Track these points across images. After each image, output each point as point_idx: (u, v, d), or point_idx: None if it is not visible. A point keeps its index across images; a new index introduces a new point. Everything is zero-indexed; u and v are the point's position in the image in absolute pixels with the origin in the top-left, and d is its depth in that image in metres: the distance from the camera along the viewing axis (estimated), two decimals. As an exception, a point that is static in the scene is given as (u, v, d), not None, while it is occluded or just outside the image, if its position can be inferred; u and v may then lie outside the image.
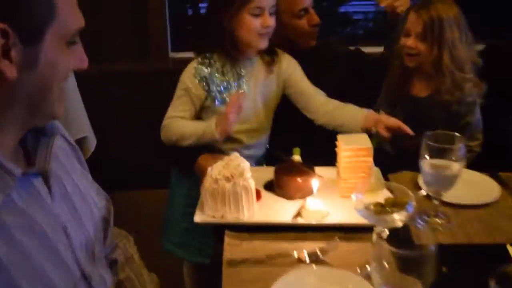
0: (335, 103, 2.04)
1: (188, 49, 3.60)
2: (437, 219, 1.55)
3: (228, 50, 1.94)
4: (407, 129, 1.82)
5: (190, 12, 3.81)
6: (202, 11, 3.71)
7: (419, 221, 1.55)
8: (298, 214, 1.54)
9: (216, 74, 1.97)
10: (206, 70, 1.96)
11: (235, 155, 1.61)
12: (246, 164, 1.57)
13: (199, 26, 2.06)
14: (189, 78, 1.97)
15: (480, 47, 2.54)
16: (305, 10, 2.18)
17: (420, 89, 2.16)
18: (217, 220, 1.55)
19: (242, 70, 2.01)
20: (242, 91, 1.99)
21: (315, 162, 1.78)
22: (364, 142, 1.66)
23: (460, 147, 1.47)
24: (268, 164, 2.11)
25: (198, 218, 1.56)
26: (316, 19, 2.20)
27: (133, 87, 3.27)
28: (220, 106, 1.96)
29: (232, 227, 1.54)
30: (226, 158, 1.60)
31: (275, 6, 1.93)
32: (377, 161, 1.74)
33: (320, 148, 1.83)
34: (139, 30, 3.28)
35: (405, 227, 1.43)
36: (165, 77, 3.00)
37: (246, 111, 1.95)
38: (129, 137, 3.31)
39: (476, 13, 2.33)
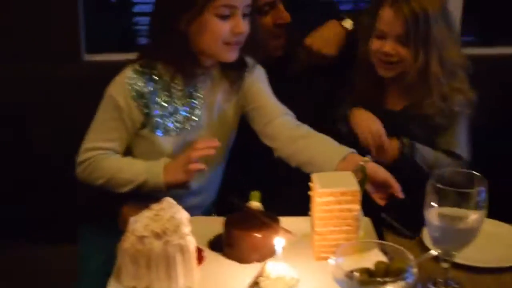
0: (306, 131, 2.01)
1: (111, 50, 3.62)
2: (447, 290, 1.55)
3: (180, 62, 1.93)
4: (396, 187, 1.81)
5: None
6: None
7: (424, 293, 1.54)
8: (255, 283, 1.52)
9: (160, 94, 1.96)
10: (146, 86, 1.94)
11: (168, 202, 1.59)
12: (183, 214, 1.55)
13: (150, 26, 2.03)
14: (121, 94, 1.94)
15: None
16: (271, 4, 2.21)
17: (394, 101, 2.22)
18: (141, 293, 1.53)
19: (196, 91, 2.01)
20: (195, 119, 1.99)
21: (282, 210, 1.77)
22: (348, 182, 1.66)
23: (480, 191, 1.47)
24: (218, 214, 2.10)
25: (112, 289, 1.53)
26: (284, 17, 2.24)
27: (32, 99, 3.21)
28: (162, 137, 1.95)
29: (161, 303, 1.51)
30: (155, 206, 1.57)
31: (251, 6, 1.93)
32: (367, 208, 1.74)
33: (290, 191, 1.83)
34: (42, 24, 3.25)
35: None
36: (77, 87, 2.99)
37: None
38: (22, 173, 3.24)
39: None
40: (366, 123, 2.15)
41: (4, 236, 2.64)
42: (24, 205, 2.78)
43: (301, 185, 1.74)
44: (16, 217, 2.73)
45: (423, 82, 2.11)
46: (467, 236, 1.50)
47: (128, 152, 2.02)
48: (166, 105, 1.97)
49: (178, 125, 1.99)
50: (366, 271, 1.33)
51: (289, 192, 1.91)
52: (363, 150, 1.98)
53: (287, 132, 2.01)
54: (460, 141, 2.20)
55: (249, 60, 2.08)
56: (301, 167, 1.95)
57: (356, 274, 1.32)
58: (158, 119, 1.96)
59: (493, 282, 1.60)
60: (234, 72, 2.05)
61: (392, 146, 2.12)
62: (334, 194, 1.63)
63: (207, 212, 2.15)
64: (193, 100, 2.00)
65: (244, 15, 1.92)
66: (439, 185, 1.47)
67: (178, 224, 1.53)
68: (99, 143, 1.95)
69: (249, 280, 1.53)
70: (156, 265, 1.50)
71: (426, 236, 1.68)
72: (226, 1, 1.86)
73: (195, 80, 2.00)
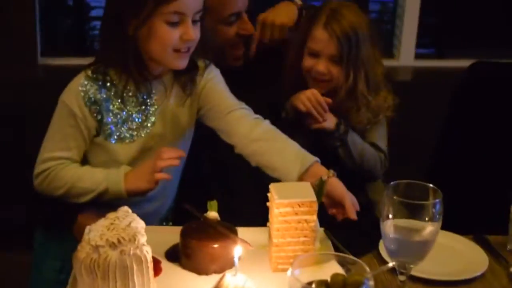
0: (266, 128, 1.99)
1: (66, 54, 3.59)
2: (403, 303, 1.56)
3: (129, 68, 1.90)
4: (349, 207, 1.80)
5: (70, 2, 3.79)
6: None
7: (380, 306, 1.55)
8: (213, 295, 1.52)
9: (113, 101, 1.94)
10: (98, 93, 1.92)
11: (124, 210, 1.57)
12: (139, 224, 1.53)
13: (100, 30, 2.01)
14: (75, 101, 1.92)
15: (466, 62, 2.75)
16: (237, 15, 2.23)
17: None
18: (96, 304, 1.50)
19: (149, 97, 1.98)
20: (150, 126, 1.97)
21: (240, 221, 1.77)
22: (305, 193, 1.66)
23: (435, 203, 1.48)
24: (175, 222, 2.08)
25: (67, 301, 1.51)
26: (248, 28, 2.26)
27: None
28: (116, 145, 1.94)
29: (117, 314, 1.48)
30: (110, 215, 1.55)
31: (202, 11, 1.91)
32: (324, 220, 1.75)
33: (248, 201, 1.83)
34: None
35: (360, 315, 1.45)
36: (33, 92, 2.95)
37: (151, 150, 1.95)
38: None
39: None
40: (301, 93, 2.20)
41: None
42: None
43: (258, 196, 1.74)
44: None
45: (351, 99, 2.20)
46: (423, 248, 1.51)
47: (84, 161, 1.99)
48: (119, 112, 1.95)
49: (132, 132, 1.97)
50: (323, 284, 1.33)
51: (246, 202, 1.90)
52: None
53: (244, 127, 1.98)
54: (381, 136, 2.30)
55: (201, 62, 2.07)
56: (261, 168, 1.95)
57: (313, 286, 1.32)
58: (112, 127, 1.94)
59: (450, 295, 1.62)
60: (185, 76, 2.03)
61: (330, 116, 2.19)
62: (292, 204, 1.62)
63: (164, 219, 2.13)
64: (146, 107, 1.98)
65: (194, 21, 1.90)
66: (394, 197, 1.49)
67: (134, 234, 1.50)
68: (56, 153, 1.92)
69: (206, 291, 1.53)
70: (112, 276, 1.47)
71: (383, 248, 1.69)
72: (175, 8, 1.83)
73: (147, 87, 1.97)
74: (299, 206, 1.63)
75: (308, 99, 2.15)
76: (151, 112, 1.99)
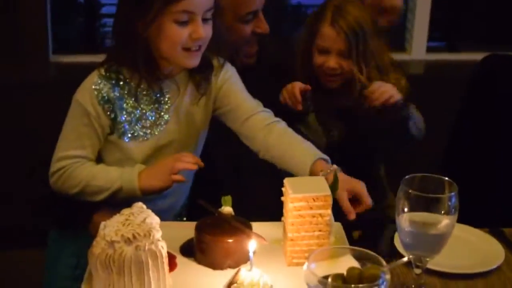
0: (280, 133, 2.00)
1: (78, 51, 3.60)
2: (419, 296, 1.55)
3: (141, 66, 1.90)
4: (367, 200, 1.82)
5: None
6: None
7: (396, 299, 1.55)
8: (229, 289, 1.52)
9: (127, 99, 1.94)
10: (112, 91, 1.92)
11: (139, 206, 1.57)
12: (154, 219, 1.53)
13: (113, 28, 2.01)
14: (88, 100, 1.91)
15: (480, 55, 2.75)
16: (254, 13, 2.22)
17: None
18: (112, 299, 1.50)
19: (163, 95, 1.98)
20: (163, 124, 1.97)
21: (255, 215, 1.77)
22: (320, 188, 1.66)
23: (451, 196, 1.48)
24: (189, 217, 2.08)
25: (83, 296, 1.51)
26: (264, 27, 2.26)
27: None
28: (130, 143, 1.94)
29: (133, 309, 1.49)
30: (125, 211, 1.55)
31: (212, 9, 1.90)
32: (339, 214, 1.75)
33: (264, 196, 1.83)
34: (7, 22, 3.21)
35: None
36: (44, 90, 2.96)
37: (165, 148, 1.97)
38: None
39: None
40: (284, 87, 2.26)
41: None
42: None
43: (273, 190, 1.74)
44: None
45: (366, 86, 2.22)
46: (438, 241, 1.51)
47: (99, 159, 1.99)
48: (132, 110, 1.95)
49: (146, 130, 1.97)
50: (339, 277, 1.33)
51: (261, 197, 1.90)
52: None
53: (263, 132, 2.00)
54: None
55: (217, 61, 2.06)
56: (274, 161, 1.98)
57: (329, 280, 1.32)
58: (125, 125, 1.94)
59: (466, 287, 1.62)
60: (199, 75, 2.02)
61: (393, 88, 2.19)
62: (306, 199, 1.62)
63: (178, 216, 2.13)
64: (160, 105, 1.98)
65: (205, 20, 1.88)
66: (410, 191, 1.48)
67: (149, 229, 1.51)
68: (71, 151, 1.93)
69: (222, 286, 1.52)
70: (127, 271, 1.47)
71: (398, 241, 1.69)
72: (184, 7, 1.82)
73: (160, 85, 1.97)
74: (314, 200, 1.63)
75: (286, 90, 2.22)
76: (164, 110, 1.99)
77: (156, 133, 1.99)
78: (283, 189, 1.69)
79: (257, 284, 1.51)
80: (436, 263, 1.59)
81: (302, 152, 1.94)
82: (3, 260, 3.14)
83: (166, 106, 1.99)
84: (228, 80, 2.08)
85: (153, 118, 1.97)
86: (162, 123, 1.99)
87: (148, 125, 1.97)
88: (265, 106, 2.08)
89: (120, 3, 1.98)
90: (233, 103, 2.06)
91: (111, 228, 1.51)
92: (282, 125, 2.03)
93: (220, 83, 2.07)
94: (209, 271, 1.63)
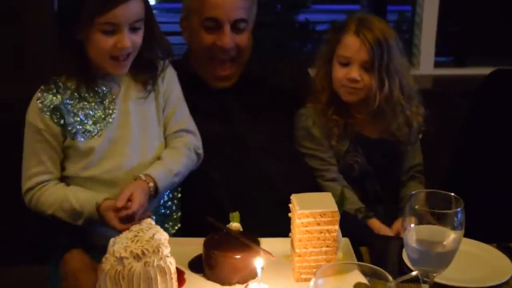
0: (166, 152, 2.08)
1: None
2: (427, 311, 1.55)
3: (77, 71, 1.95)
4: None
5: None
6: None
7: (403, 315, 1.55)
8: (237, 305, 1.52)
9: (72, 102, 1.97)
10: (55, 98, 1.95)
11: (148, 222, 1.58)
12: (163, 235, 1.55)
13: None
14: (36, 116, 1.96)
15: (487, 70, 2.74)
16: (217, 23, 2.21)
17: (369, 129, 2.30)
18: (121, 315, 1.51)
19: (107, 92, 2.01)
20: (113, 116, 2.00)
21: (262, 232, 1.77)
22: (327, 204, 1.66)
23: (457, 212, 1.48)
24: (190, 231, 2.09)
25: (93, 312, 1.51)
26: (224, 41, 2.22)
27: (5, 120, 3.18)
28: (84, 142, 1.97)
29: (142, 325, 1.49)
30: (134, 227, 1.56)
31: (142, 21, 1.94)
32: (346, 229, 1.75)
33: (270, 212, 1.84)
34: (11, 40, 3.23)
35: (383, 324, 1.45)
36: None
37: (119, 141, 2.00)
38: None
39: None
40: None
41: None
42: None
43: (280, 207, 1.75)
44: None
45: (388, 108, 2.20)
46: (445, 257, 1.50)
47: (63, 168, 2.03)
48: (79, 110, 1.97)
49: (96, 126, 1.99)
50: (346, 293, 1.34)
51: (268, 213, 1.90)
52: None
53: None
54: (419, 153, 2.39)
55: (162, 64, 2.10)
56: None
57: (337, 296, 1.33)
58: (76, 125, 1.96)
59: (473, 302, 1.62)
60: (142, 75, 2.06)
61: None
62: (313, 215, 1.63)
63: (158, 215, 2.13)
64: (105, 101, 2.00)
65: (134, 29, 1.92)
66: (416, 207, 1.48)
67: (158, 245, 1.52)
68: (32, 169, 1.97)
69: (230, 302, 1.54)
70: (136, 287, 1.49)
71: (405, 256, 1.68)
72: (108, 19, 1.86)
73: (101, 83, 2.01)
74: (321, 216, 1.63)
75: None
76: (110, 105, 2.01)
77: (107, 127, 2.00)
78: (290, 205, 1.69)
79: (266, 300, 1.53)
80: (444, 277, 1.59)
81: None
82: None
83: (112, 102, 2.01)
84: (171, 81, 2.13)
85: (101, 113, 1.99)
86: (111, 118, 2.00)
87: (97, 120, 1.99)
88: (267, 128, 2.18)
89: (58, 6, 2.07)
90: (170, 110, 2.12)
91: (120, 244, 1.53)
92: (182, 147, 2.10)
93: (165, 81, 2.11)
94: (217, 286, 1.63)
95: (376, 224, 2.11)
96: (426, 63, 3.66)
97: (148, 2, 1.98)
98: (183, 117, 2.14)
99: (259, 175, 2.19)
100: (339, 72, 2.19)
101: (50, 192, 1.97)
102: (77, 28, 1.88)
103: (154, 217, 2.07)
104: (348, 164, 2.25)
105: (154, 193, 1.95)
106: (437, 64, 3.71)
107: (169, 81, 2.12)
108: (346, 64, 2.17)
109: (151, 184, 1.93)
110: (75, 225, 1.96)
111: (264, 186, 2.17)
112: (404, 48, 2.25)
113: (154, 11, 2.03)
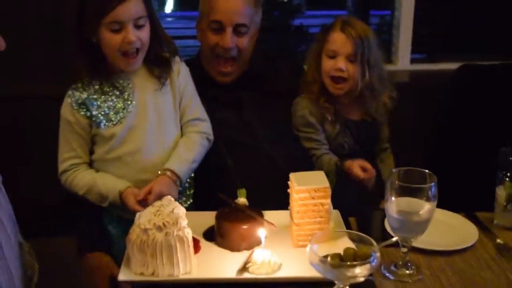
0: (182, 140, 2.09)
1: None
2: (406, 270, 1.56)
3: (95, 69, 1.96)
4: (372, 168, 2.03)
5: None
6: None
7: (386, 274, 1.55)
8: (244, 268, 1.53)
9: (97, 96, 1.98)
10: (82, 95, 1.97)
11: (168, 199, 1.59)
12: (181, 210, 1.55)
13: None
14: (67, 111, 1.99)
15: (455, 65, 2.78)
16: (220, 26, 2.20)
17: (352, 112, 2.31)
18: (147, 277, 1.52)
19: (125, 86, 2.01)
20: (132, 107, 2.00)
21: (265, 205, 1.77)
22: (320, 180, 1.66)
23: (431, 186, 1.49)
24: (200, 205, 2.09)
25: (123, 275, 1.52)
26: (224, 42, 2.20)
27: (47, 115, 3.18)
28: (106, 129, 1.98)
29: (165, 285, 1.51)
30: (156, 203, 1.57)
31: (145, 18, 1.93)
32: (336, 202, 1.75)
33: (272, 189, 1.84)
34: (53, 48, 3.22)
35: (369, 282, 1.46)
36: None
37: (137, 128, 2.00)
38: (40, 174, 3.21)
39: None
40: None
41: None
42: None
43: (281, 184, 1.75)
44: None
45: (368, 93, 2.22)
46: (421, 225, 1.51)
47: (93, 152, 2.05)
48: (103, 103, 1.98)
49: (117, 115, 1.99)
50: (337, 256, 1.34)
51: (270, 190, 1.91)
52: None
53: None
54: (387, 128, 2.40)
55: (174, 60, 2.10)
56: None
57: (329, 259, 1.33)
58: (100, 116, 1.97)
59: (445, 263, 1.62)
60: (157, 69, 2.05)
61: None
62: (309, 190, 1.63)
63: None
64: (124, 93, 2.00)
65: (139, 26, 1.91)
66: (396, 182, 1.49)
67: (177, 218, 1.52)
68: (65, 155, 2.01)
69: (239, 265, 1.54)
70: (159, 254, 1.49)
71: (387, 224, 1.69)
72: (113, 18, 1.86)
73: (119, 78, 2.01)
74: (315, 191, 1.63)
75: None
76: (129, 97, 2.01)
77: (127, 116, 2.00)
78: (289, 182, 1.70)
79: (268, 263, 1.53)
80: (420, 242, 1.60)
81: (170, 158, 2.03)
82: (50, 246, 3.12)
83: (130, 94, 2.01)
84: (186, 77, 2.13)
85: (121, 104, 1.99)
86: (130, 108, 2.00)
87: (118, 110, 1.99)
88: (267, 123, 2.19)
89: (72, 11, 2.01)
90: (185, 101, 2.12)
91: (144, 217, 1.53)
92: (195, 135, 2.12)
93: (180, 76, 2.11)
94: (227, 252, 1.64)
95: (348, 162, 2.13)
96: (403, 59, 3.64)
97: (149, 2, 1.97)
98: (196, 107, 2.14)
99: (263, 157, 2.20)
100: (327, 64, 2.20)
101: (81, 176, 1.99)
102: (87, 29, 1.89)
103: None
104: (339, 144, 2.26)
105: (179, 183, 1.99)
106: (412, 61, 3.68)
107: (184, 76, 2.12)
108: (333, 56, 2.18)
109: (175, 178, 1.97)
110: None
111: (268, 166, 2.17)
112: (381, 44, 2.27)
113: (170, 18, 2.03)
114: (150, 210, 1.55)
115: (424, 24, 3.73)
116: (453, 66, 2.79)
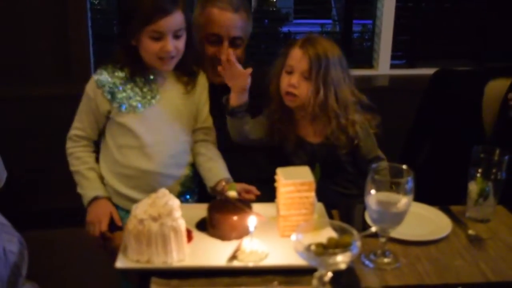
0: (208, 151, 2.11)
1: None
2: (384, 259, 1.56)
3: (130, 64, 2.00)
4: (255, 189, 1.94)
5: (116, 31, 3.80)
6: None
7: (366, 262, 1.56)
8: (234, 256, 1.52)
9: (122, 79, 2.00)
10: (109, 77, 1.99)
11: (163, 191, 1.57)
12: (175, 202, 1.54)
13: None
14: (90, 86, 2.03)
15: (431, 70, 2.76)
16: (218, 39, 2.18)
17: (308, 135, 2.14)
18: (142, 265, 1.51)
19: (153, 81, 2.03)
20: (154, 101, 2.02)
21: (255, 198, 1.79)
22: (305, 175, 1.66)
23: (408, 180, 1.49)
24: (201, 200, 2.09)
25: (120, 263, 1.51)
26: (223, 54, 2.13)
27: (51, 113, 3.18)
28: (127, 115, 2.00)
29: (159, 272, 1.49)
30: (152, 195, 1.56)
31: (184, 30, 1.96)
32: (321, 195, 1.75)
33: (261, 182, 1.84)
34: (59, 49, 3.21)
35: (350, 269, 1.46)
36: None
37: (155, 122, 2.02)
38: (45, 169, 3.20)
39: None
40: None
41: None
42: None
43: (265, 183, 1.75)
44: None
45: (323, 114, 2.04)
46: (398, 217, 1.51)
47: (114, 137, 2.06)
48: (129, 89, 2.00)
49: (140, 103, 2.00)
50: (320, 245, 1.33)
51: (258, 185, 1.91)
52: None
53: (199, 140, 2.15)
54: (375, 149, 2.16)
55: (197, 70, 2.13)
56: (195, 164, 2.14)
57: (313, 247, 1.32)
58: (124, 100, 1.99)
59: (421, 252, 1.63)
60: (185, 77, 2.08)
61: None
62: (294, 184, 1.63)
63: (184, 187, 2.14)
64: (150, 86, 2.02)
65: (177, 36, 1.95)
66: (376, 176, 1.49)
67: (171, 209, 1.51)
68: (75, 123, 2.08)
69: (229, 254, 1.54)
70: (154, 243, 1.49)
71: (367, 216, 1.69)
72: (155, 28, 1.89)
73: (148, 74, 2.02)
74: (301, 185, 1.63)
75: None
76: (154, 91, 2.03)
77: (148, 107, 2.02)
78: (276, 177, 1.69)
79: (256, 252, 1.53)
80: (398, 232, 1.60)
81: (215, 170, 2.05)
82: (51, 238, 3.10)
83: (157, 89, 2.03)
84: (204, 86, 2.15)
85: (147, 95, 2.01)
86: (153, 101, 2.02)
87: (142, 100, 2.01)
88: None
89: (119, 20, 2.17)
90: (199, 106, 2.14)
91: (140, 208, 1.53)
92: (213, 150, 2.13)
93: (201, 87, 2.13)
94: (218, 242, 1.63)
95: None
96: (384, 65, 3.67)
97: (188, 15, 2.00)
98: (208, 115, 2.16)
99: (249, 160, 2.20)
100: (284, 80, 2.06)
101: (78, 156, 2.06)
102: (131, 34, 1.93)
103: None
104: (292, 164, 2.01)
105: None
106: (392, 66, 3.71)
107: (202, 83, 2.14)
108: (290, 72, 2.05)
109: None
110: None
111: (253, 168, 2.17)
112: (347, 66, 2.08)
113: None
114: (146, 201, 1.54)
115: (403, 32, 3.76)
116: (429, 71, 2.79)
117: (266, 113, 2.16)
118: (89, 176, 2.04)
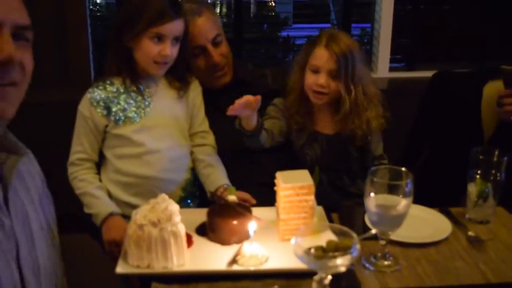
0: (206, 156, 2.11)
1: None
2: (384, 261, 1.55)
3: (123, 69, 1.99)
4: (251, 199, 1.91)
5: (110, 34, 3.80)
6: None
7: (366, 264, 1.55)
8: (234, 260, 1.52)
9: (115, 93, 2.00)
10: (101, 92, 1.99)
11: (162, 197, 1.57)
12: (174, 207, 1.54)
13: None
14: (84, 106, 2.01)
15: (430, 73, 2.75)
16: (201, 48, 2.18)
17: (324, 126, 2.17)
18: (143, 270, 1.50)
19: (146, 88, 2.04)
20: (149, 110, 2.02)
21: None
22: (305, 179, 1.66)
23: (407, 183, 1.48)
24: (202, 203, 2.08)
25: (120, 268, 1.51)
26: (213, 59, 2.17)
27: (51, 120, 3.17)
28: (123, 127, 1.99)
29: (160, 278, 1.49)
30: (152, 200, 1.56)
31: (181, 37, 1.98)
32: (320, 199, 1.75)
33: (259, 190, 1.84)
34: (58, 55, 3.22)
35: (350, 272, 1.45)
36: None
37: (152, 129, 2.02)
38: (45, 175, 3.19)
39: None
40: None
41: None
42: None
43: (266, 186, 1.75)
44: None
45: (354, 109, 2.08)
46: (398, 219, 1.51)
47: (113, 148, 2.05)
48: (123, 101, 2.00)
49: (135, 113, 2.01)
50: (320, 248, 1.33)
51: (257, 190, 1.90)
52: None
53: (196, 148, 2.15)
54: (381, 147, 2.21)
55: (190, 77, 2.14)
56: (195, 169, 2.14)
57: (312, 250, 1.32)
58: (119, 113, 1.99)
59: (421, 254, 1.62)
60: (177, 83, 2.09)
61: None
62: (293, 188, 1.63)
63: (185, 191, 2.13)
64: (144, 95, 2.03)
65: (175, 43, 1.97)
66: (375, 179, 1.49)
67: (171, 214, 1.51)
68: (74, 148, 2.04)
69: (229, 258, 1.53)
70: (154, 248, 1.49)
71: (367, 218, 1.68)
72: (159, 30, 1.91)
73: (141, 81, 2.03)
74: (300, 189, 1.63)
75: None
76: (149, 100, 2.03)
77: (144, 116, 2.02)
78: (275, 181, 1.69)
79: (256, 256, 1.52)
80: (397, 235, 1.60)
81: (213, 176, 2.05)
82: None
83: (150, 97, 2.03)
84: (198, 91, 2.15)
85: (140, 104, 2.01)
86: (148, 110, 2.02)
87: (137, 110, 2.01)
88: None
89: (116, 17, 2.10)
90: (194, 112, 2.14)
91: (140, 214, 1.52)
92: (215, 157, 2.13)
93: (195, 93, 2.14)
94: (218, 246, 1.63)
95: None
96: (383, 68, 3.67)
97: (187, 23, 2.02)
98: (204, 119, 2.16)
99: (252, 162, 2.19)
100: (309, 79, 2.08)
101: (82, 178, 2.01)
102: (131, 35, 1.93)
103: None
104: (303, 156, 2.16)
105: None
106: (391, 69, 3.71)
107: (195, 88, 2.15)
108: (316, 71, 2.07)
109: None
110: None
111: (256, 170, 2.16)
112: (366, 58, 2.16)
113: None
114: (145, 207, 1.54)
115: (401, 36, 3.76)
116: (428, 74, 2.79)
117: (282, 106, 2.20)
118: (98, 194, 1.99)
